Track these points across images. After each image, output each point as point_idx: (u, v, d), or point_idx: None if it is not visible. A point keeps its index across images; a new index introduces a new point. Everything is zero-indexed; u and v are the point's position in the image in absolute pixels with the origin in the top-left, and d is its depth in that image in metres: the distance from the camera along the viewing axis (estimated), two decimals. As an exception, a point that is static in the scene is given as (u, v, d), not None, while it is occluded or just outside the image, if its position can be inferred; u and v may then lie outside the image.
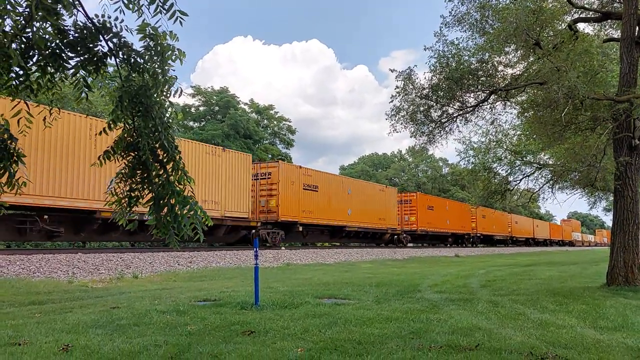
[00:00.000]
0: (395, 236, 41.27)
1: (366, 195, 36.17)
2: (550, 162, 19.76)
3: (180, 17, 3.81)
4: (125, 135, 4.03)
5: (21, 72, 3.73)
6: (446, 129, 13.61)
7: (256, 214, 26.91)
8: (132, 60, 3.84)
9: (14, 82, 3.77)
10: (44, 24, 3.57)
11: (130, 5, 3.78)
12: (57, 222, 17.84)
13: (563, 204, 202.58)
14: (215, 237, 25.49)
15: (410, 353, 5.23)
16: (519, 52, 13.27)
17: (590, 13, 13.48)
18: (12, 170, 4.04)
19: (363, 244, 39.56)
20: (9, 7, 3.38)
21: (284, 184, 27.70)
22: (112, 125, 3.98)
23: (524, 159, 19.65)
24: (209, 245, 27.81)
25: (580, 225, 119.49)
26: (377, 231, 37.97)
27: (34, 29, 3.52)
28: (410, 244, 44.45)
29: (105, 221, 18.23)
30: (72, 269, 14.48)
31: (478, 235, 55.26)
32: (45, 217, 17.12)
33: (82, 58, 3.80)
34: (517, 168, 19.23)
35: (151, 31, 3.81)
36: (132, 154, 4.03)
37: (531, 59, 12.91)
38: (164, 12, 3.78)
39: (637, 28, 11.62)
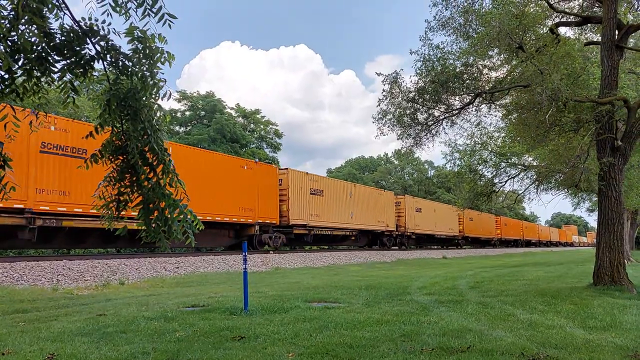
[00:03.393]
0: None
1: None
2: (535, 164, 20.00)
3: (169, 20, 3.77)
4: (114, 139, 3.98)
5: (7, 76, 3.66)
6: (432, 131, 13.72)
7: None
8: (120, 63, 3.79)
9: (-1, 87, 3.70)
10: (30, 27, 3.51)
11: (118, 8, 3.73)
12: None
13: (547, 205, 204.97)
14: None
15: (402, 356, 5.22)
16: (502, 55, 13.43)
17: (571, 17, 13.69)
18: (-3, 176, 3.96)
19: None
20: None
21: None
22: (99, 129, 3.93)
23: (509, 161, 19.87)
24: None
25: (577, 229, 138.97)
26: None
27: (20, 32, 3.46)
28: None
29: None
30: (56, 276, 14.24)
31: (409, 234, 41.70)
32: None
33: (68, 61, 3.73)
34: (502, 170, 19.46)
35: (139, 34, 3.76)
36: (121, 158, 3.98)
37: (514, 62, 13.05)
38: (152, 15, 3.73)
39: (616, 32, 11.82)
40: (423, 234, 42.06)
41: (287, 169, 28.72)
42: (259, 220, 25.52)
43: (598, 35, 13.91)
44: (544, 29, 13.33)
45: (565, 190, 24.38)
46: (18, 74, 3.70)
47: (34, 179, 15.77)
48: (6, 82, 3.66)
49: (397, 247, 39.60)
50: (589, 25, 14.28)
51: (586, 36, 15.41)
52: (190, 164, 21.45)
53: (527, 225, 79.61)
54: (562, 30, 14.22)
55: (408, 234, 40.86)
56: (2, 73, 3.59)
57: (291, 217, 27.41)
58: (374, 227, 36.00)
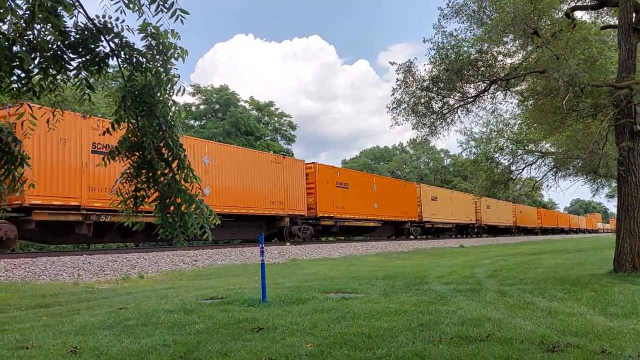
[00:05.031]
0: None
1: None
2: (552, 150, 19.71)
3: (181, 16, 3.78)
4: (130, 135, 4.02)
5: (23, 75, 3.71)
6: (447, 119, 13.59)
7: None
8: (134, 60, 3.82)
9: (16, 85, 3.75)
10: (46, 26, 3.55)
11: (131, 5, 3.76)
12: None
13: (566, 192, 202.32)
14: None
15: (420, 345, 5.22)
16: (517, 41, 13.22)
17: (587, 1, 13.41)
18: (16, 174, 4.03)
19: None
20: (12, 3, 3.36)
21: None
22: (115, 126, 3.97)
23: (526, 148, 19.61)
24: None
25: (601, 216, 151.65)
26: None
27: (35, 31, 3.50)
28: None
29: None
30: (77, 270, 14.50)
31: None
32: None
33: (83, 59, 3.78)
34: (519, 157, 19.19)
35: (152, 30, 3.78)
36: (137, 154, 4.02)
37: (530, 48, 12.85)
38: (165, 11, 3.75)
39: (634, 14, 11.57)
40: (491, 225, 57.92)
41: (420, 184, 45.70)
42: (410, 219, 40.95)
43: (615, 18, 13.62)
44: (560, 13, 13.09)
45: (584, 176, 24.04)
46: (34, 73, 3.75)
47: (334, 200, 31.13)
48: (23, 81, 3.72)
49: (475, 235, 54.70)
50: (605, 8, 13.98)
51: (603, 20, 15.09)
52: (379, 186, 36.96)
53: (561, 215, 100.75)
54: (578, 14, 13.93)
55: (482, 225, 55.66)
56: (19, 72, 3.65)
57: (423, 215, 42.84)
58: (464, 221, 51.40)
